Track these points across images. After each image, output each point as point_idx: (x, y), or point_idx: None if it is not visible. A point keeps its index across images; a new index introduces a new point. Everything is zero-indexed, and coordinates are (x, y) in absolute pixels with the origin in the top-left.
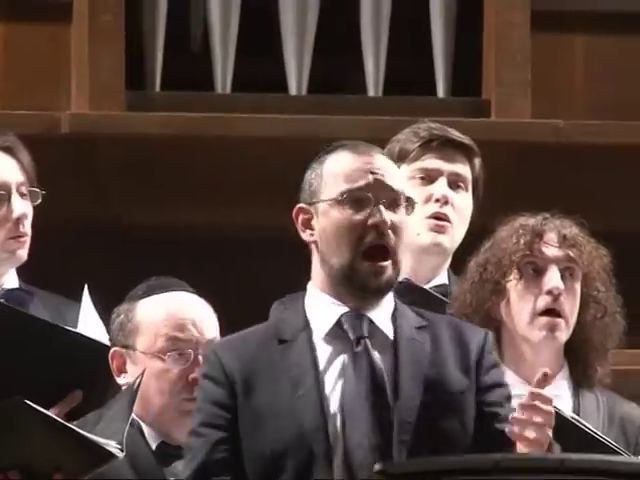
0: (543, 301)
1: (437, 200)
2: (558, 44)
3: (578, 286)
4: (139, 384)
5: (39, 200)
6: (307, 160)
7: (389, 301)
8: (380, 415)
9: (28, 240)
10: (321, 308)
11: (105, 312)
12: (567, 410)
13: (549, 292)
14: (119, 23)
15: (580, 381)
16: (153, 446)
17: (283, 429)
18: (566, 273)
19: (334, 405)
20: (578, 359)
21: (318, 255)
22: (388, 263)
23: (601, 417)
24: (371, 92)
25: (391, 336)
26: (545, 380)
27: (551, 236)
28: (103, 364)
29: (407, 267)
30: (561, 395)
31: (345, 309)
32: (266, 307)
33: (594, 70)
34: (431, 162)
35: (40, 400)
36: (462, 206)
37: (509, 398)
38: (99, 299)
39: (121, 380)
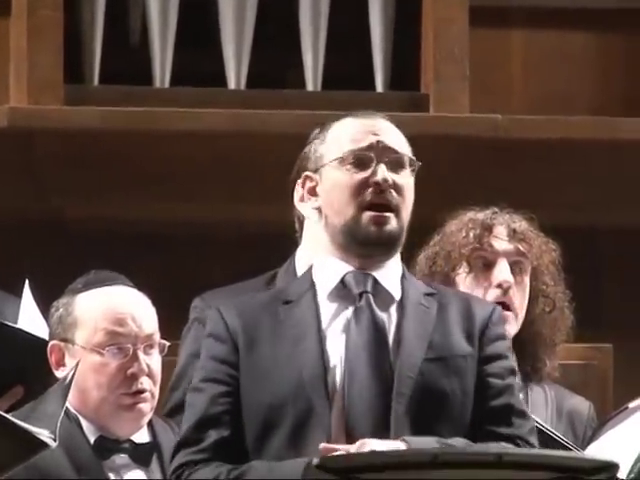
0: (493, 294)
1: None
2: (496, 39)
3: (527, 280)
4: (73, 375)
5: None
6: (247, 155)
7: (397, 265)
8: (381, 369)
9: None
10: (326, 269)
11: (44, 306)
12: None
13: (499, 285)
14: (58, 17)
15: (528, 374)
16: (91, 440)
17: (283, 380)
18: (515, 267)
19: (335, 358)
20: (527, 352)
21: (322, 220)
22: (390, 215)
23: (549, 410)
24: (310, 86)
25: (397, 297)
26: None
27: (500, 230)
28: (43, 359)
29: None
30: None
31: (350, 268)
32: None
33: (532, 65)
34: None
35: None
36: None
37: (512, 371)
38: (38, 292)
39: (59, 373)
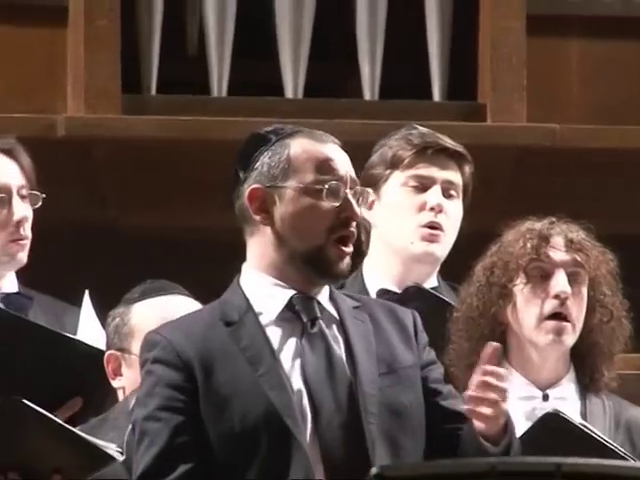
0: (550, 305)
1: (432, 209)
2: (553, 48)
3: (585, 290)
4: None
5: (39, 203)
6: None
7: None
8: (344, 393)
9: (28, 243)
10: (264, 290)
11: (101, 314)
12: (574, 414)
13: (556, 296)
14: (115, 27)
15: (587, 385)
16: None
17: (250, 407)
18: (573, 277)
19: (297, 383)
20: (585, 363)
21: (273, 237)
22: (351, 250)
23: (607, 421)
24: (367, 96)
25: (336, 316)
26: (494, 355)
27: (558, 240)
28: (100, 370)
29: (397, 273)
30: (568, 398)
31: (293, 291)
32: None
33: (589, 74)
34: (425, 170)
35: (40, 406)
36: (454, 214)
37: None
38: (95, 301)
39: (116, 383)
